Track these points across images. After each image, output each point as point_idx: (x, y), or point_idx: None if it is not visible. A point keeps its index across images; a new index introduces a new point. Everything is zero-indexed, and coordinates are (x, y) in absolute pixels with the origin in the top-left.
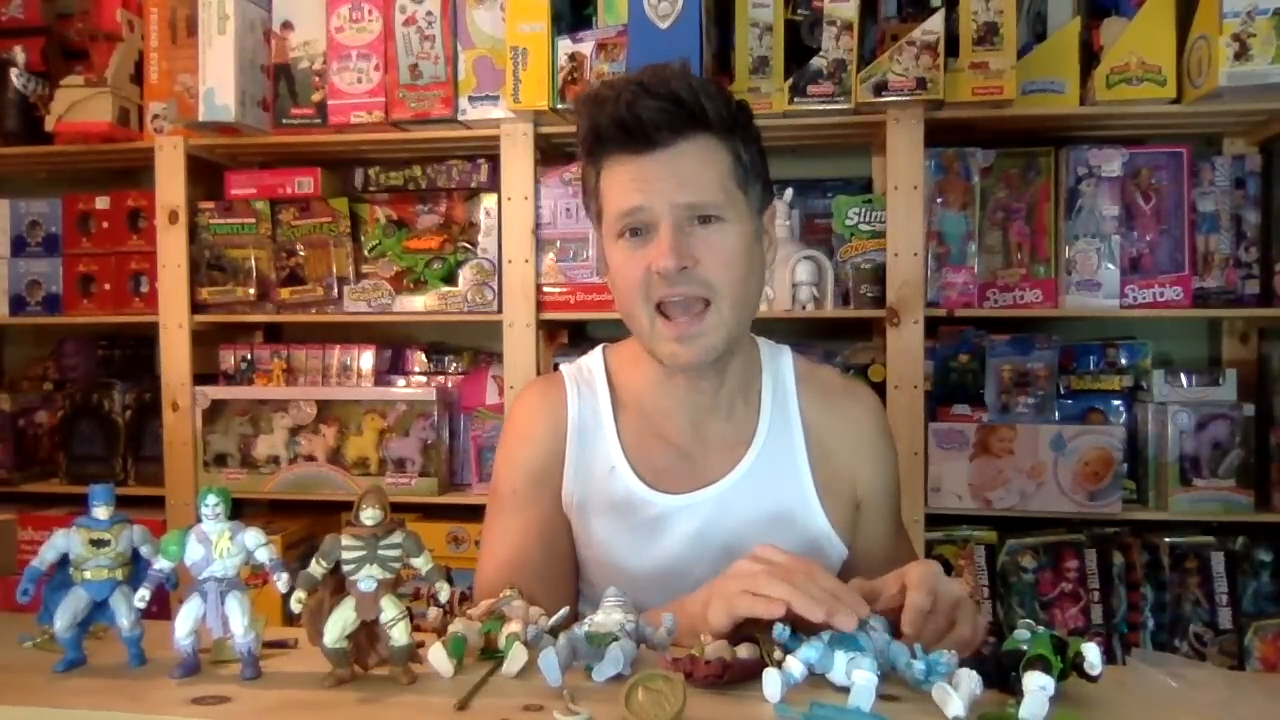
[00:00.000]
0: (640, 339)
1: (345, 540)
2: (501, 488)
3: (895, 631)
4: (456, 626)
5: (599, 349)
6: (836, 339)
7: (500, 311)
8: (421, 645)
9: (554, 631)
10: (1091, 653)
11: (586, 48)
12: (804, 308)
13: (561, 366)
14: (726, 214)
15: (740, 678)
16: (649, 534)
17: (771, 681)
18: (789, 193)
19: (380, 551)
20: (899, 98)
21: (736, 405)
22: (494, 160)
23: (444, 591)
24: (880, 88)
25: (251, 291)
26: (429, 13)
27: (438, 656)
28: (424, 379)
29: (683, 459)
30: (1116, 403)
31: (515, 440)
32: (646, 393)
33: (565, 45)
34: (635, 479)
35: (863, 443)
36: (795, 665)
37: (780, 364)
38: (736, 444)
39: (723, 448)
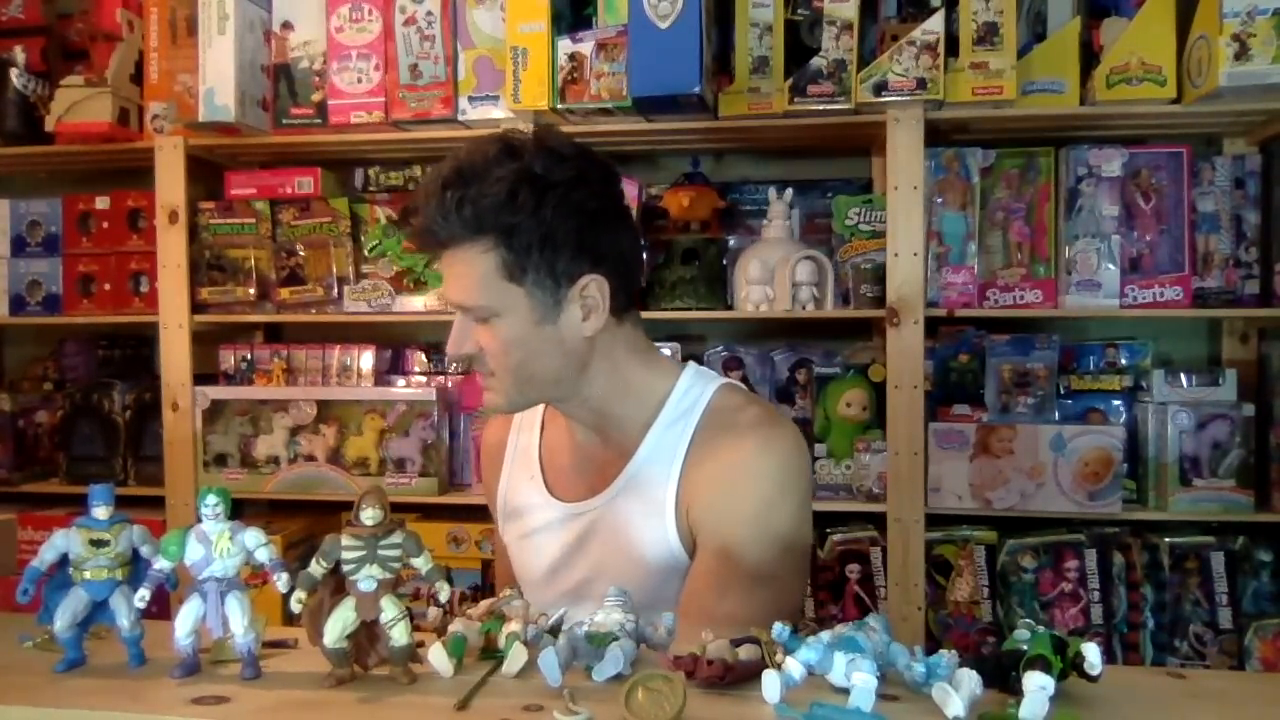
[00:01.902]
0: None
1: (345, 540)
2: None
3: None
4: (456, 626)
5: None
6: (836, 339)
7: None
8: (421, 645)
9: (554, 631)
10: (1091, 653)
11: (586, 48)
12: (804, 308)
13: None
14: (496, 310)
15: (742, 679)
16: (540, 536)
17: (770, 683)
18: (789, 193)
19: (380, 551)
20: (899, 98)
21: (611, 431)
22: None
23: (444, 591)
24: (880, 88)
25: (251, 291)
26: (429, 13)
27: (438, 656)
28: (424, 379)
29: (574, 470)
30: (1116, 403)
31: (482, 480)
32: None
33: (565, 45)
34: (542, 484)
35: (720, 470)
36: (794, 666)
37: (698, 395)
38: (617, 462)
39: (604, 465)
